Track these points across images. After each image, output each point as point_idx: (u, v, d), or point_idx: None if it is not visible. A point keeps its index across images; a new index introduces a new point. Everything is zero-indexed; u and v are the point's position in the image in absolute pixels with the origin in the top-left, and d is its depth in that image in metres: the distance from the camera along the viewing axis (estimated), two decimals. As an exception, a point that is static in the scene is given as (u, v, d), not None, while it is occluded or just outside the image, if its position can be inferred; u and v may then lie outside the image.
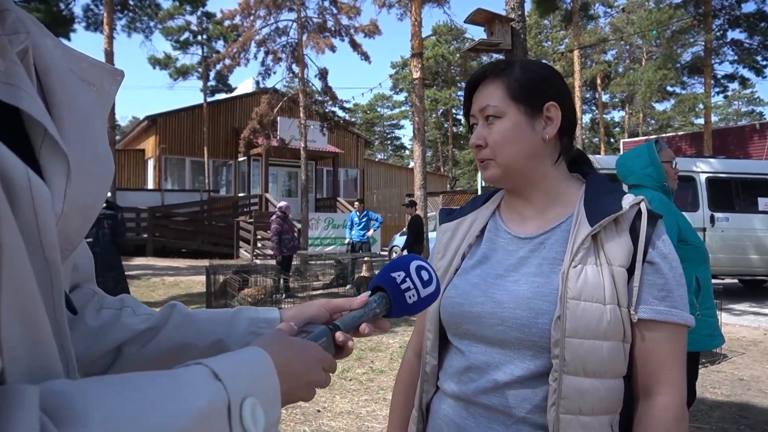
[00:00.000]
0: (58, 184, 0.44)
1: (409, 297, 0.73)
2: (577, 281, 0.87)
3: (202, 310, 0.75)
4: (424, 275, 0.76)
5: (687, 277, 2.25)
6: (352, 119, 27.49)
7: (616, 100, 40.30)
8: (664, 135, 23.13)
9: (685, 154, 17.05)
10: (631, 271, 0.88)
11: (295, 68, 16.96)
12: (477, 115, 0.99)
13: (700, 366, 4.65)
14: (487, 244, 1.04)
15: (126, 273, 11.85)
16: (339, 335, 0.65)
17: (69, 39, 17.40)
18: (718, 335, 2.39)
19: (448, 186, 33.49)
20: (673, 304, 0.88)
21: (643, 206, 0.93)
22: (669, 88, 27.37)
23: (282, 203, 9.73)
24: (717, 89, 23.54)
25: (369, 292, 0.74)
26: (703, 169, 8.73)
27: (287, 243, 9.22)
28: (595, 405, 0.86)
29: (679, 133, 22.06)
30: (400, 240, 13.90)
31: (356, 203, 11.39)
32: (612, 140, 41.18)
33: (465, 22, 6.02)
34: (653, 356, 0.89)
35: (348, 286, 9.82)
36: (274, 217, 9.36)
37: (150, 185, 21.13)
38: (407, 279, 0.74)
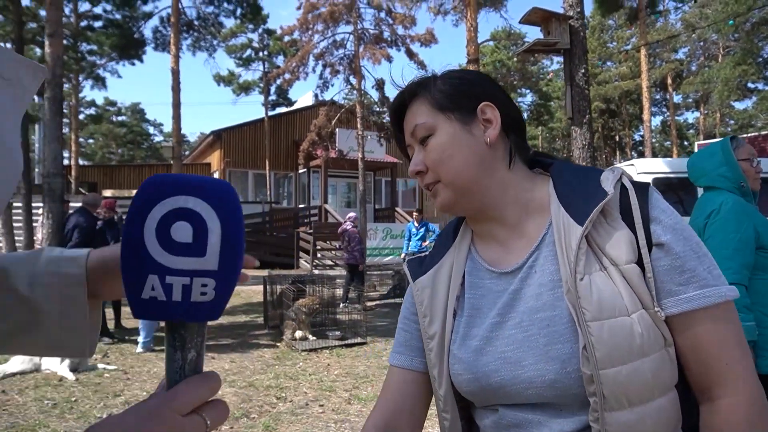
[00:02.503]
0: None
1: (208, 296, 0.43)
2: (591, 297, 0.71)
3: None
4: (187, 234, 0.41)
5: (766, 288, 1.98)
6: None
7: (690, 100, 38.04)
8: (744, 135, 21.54)
9: (770, 155, 15.74)
10: (642, 263, 0.73)
11: (353, 80, 17.14)
12: (410, 142, 0.88)
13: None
14: (472, 292, 0.87)
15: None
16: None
17: (141, 60, 18.51)
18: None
19: (510, 194, 32.67)
20: (702, 283, 0.72)
21: (625, 179, 0.77)
22: (750, 85, 25.52)
23: (352, 214, 9.94)
24: (805, 84, 21.69)
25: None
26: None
27: (362, 251, 9.48)
28: None
29: (763, 133, 20.46)
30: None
31: (415, 213, 11.28)
32: (686, 143, 38.89)
33: (520, 22, 5.80)
34: (701, 353, 0.72)
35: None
36: (350, 226, 9.49)
37: (216, 198, 21.93)
38: (191, 281, 0.42)
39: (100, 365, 5.13)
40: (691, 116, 42.89)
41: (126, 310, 6.87)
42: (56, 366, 4.85)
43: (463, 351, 0.82)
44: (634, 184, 0.77)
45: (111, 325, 6.94)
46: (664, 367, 0.71)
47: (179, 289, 0.42)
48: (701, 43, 32.74)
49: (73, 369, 4.86)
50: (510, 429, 0.80)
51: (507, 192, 0.84)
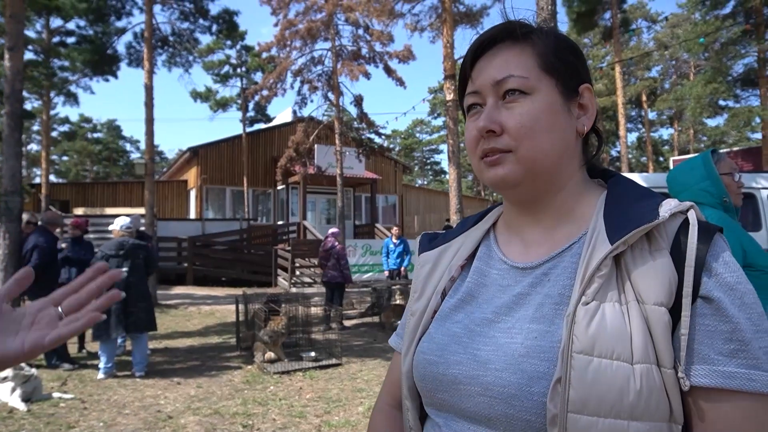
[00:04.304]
0: None
1: None
2: (588, 326, 0.58)
3: None
4: None
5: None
6: (390, 145, 27.49)
7: (664, 117, 38.89)
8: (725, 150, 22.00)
9: (742, 170, 16.03)
10: (676, 311, 0.58)
11: (331, 96, 17.06)
12: (485, 91, 0.70)
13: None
14: (474, 277, 0.77)
15: (165, 302, 12.02)
16: None
17: (116, 76, 18.19)
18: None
19: (490, 210, 32.82)
20: (752, 362, 0.56)
21: (691, 215, 0.63)
22: (721, 102, 26.16)
23: (334, 229, 9.45)
24: (774, 101, 22.24)
25: None
26: (765, 185, 8.04)
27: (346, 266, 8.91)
28: None
29: (734, 149, 20.91)
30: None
31: (394, 229, 11.10)
32: (661, 159, 39.64)
33: (495, 37, 5.75)
34: None
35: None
36: (336, 244, 9.00)
37: (192, 215, 21.56)
38: None
39: (56, 394, 4.81)
40: (665, 132, 43.85)
41: (89, 332, 6.53)
42: (6, 396, 4.53)
43: (439, 332, 0.74)
44: (702, 224, 0.63)
45: (74, 349, 6.60)
46: None
47: None
48: (673, 62, 33.57)
49: (26, 399, 4.55)
50: None
51: (563, 191, 0.73)
